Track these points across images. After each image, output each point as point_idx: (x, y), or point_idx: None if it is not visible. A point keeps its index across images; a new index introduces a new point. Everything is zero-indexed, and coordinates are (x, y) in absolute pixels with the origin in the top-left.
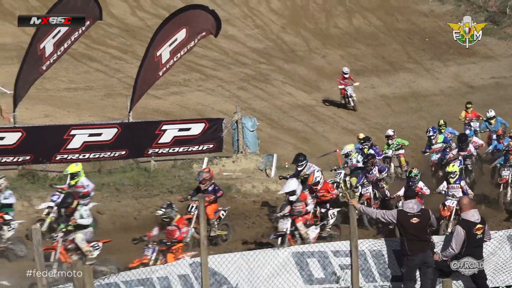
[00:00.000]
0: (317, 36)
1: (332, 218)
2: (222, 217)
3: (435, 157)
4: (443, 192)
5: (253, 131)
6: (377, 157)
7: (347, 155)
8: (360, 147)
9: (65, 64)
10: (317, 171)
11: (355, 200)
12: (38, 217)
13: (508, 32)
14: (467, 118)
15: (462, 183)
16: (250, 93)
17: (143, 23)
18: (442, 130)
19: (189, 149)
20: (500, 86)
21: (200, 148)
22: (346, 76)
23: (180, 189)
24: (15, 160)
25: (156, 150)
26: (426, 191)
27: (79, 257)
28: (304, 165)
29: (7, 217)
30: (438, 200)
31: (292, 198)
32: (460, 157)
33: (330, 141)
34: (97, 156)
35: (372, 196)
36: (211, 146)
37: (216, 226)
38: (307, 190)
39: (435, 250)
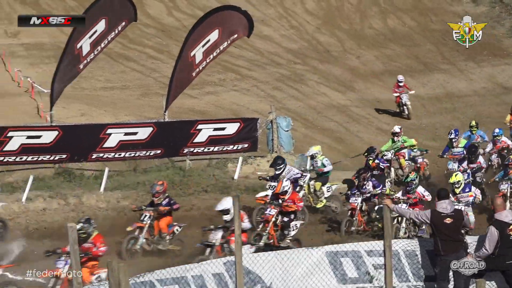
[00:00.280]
0: (351, 37)
1: (293, 230)
2: (177, 232)
3: (452, 165)
4: None
5: (287, 130)
6: (381, 164)
7: (312, 157)
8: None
9: (102, 64)
10: (286, 180)
11: (389, 200)
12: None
13: None
14: None
15: (473, 188)
16: (284, 93)
17: (179, 24)
18: (474, 132)
19: (224, 149)
20: None
21: (234, 148)
22: (401, 84)
23: (214, 188)
24: (51, 158)
25: (191, 149)
26: (428, 197)
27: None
28: (283, 169)
29: None
30: None
31: (226, 217)
32: (468, 170)
33: (364, 141)
34: (132, 155)
35: (358, 208)
36: (246, 145)
37: (168, 240)
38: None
39: (468, 250)
